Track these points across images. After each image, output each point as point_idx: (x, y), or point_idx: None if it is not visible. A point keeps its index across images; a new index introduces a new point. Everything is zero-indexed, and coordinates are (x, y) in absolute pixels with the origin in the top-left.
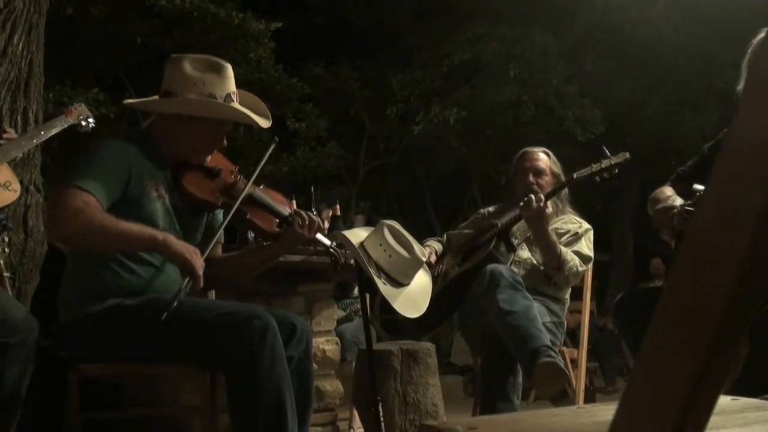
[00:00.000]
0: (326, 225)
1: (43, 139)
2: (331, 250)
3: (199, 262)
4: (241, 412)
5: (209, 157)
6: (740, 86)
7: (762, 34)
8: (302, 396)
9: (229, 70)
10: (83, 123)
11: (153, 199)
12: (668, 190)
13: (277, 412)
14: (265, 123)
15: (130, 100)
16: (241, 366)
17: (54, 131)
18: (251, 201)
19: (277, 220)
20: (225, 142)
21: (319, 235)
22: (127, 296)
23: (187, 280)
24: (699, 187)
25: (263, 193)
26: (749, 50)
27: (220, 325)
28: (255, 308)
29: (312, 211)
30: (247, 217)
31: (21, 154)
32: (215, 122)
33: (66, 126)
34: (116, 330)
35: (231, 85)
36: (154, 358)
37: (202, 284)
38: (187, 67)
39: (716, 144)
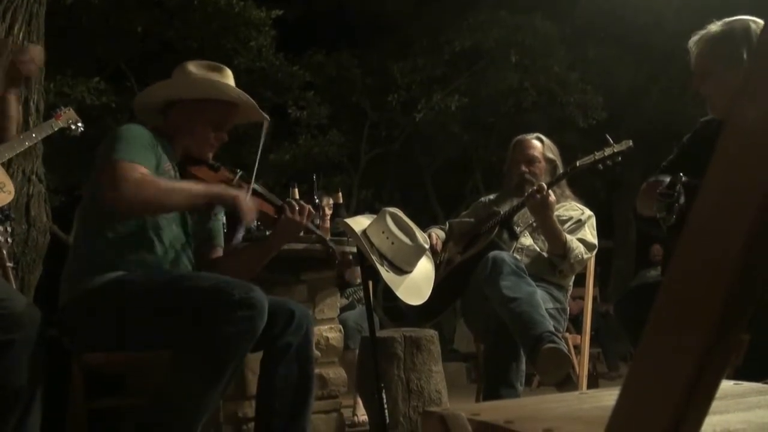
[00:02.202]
0: (328, 212)
1: (34, 142)
2: (328, 243)
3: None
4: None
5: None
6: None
7: (716, 28)
8: (302, 382)
9: (229, 71)
10: (72, 127)
11: (172, 177)
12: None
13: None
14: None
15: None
16: (214, 322)
17: (44, 134)
18: (250, 189)
19: (273, 208)
20: (227, 137)
21: (312, 226)
22: (128, 270)
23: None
24: (684, 179)
25: (259, 186)
26: (693, 46)
27: (217, 288)
28: (254, 287)
29: (314, 199)
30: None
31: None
32: (222, 114)
33: (56, 129)
34: (117, 302)
35: (233, 83)
36: (155, 330)
37: (251, 218)
38: (191, 68)
39: (694, 135)
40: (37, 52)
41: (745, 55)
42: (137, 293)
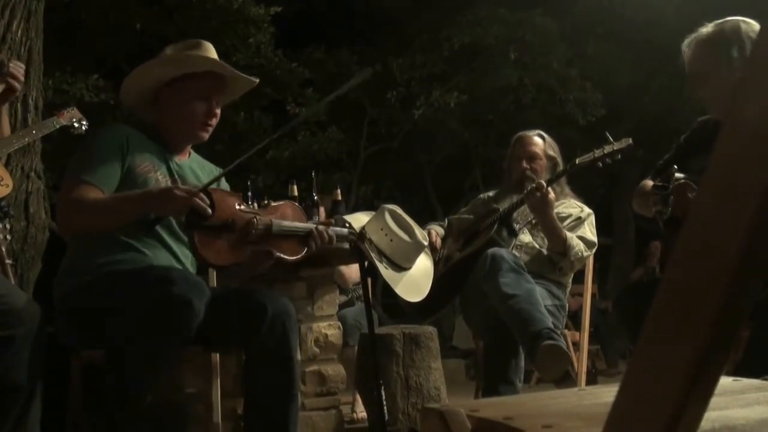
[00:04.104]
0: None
1: (34, 138)
2: (349, 236)
3: (185, 196)
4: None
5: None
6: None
7: (710, 29)
8: (282, 385)
9: (208, 45)
10: (75, 125)
11: (150, 177)
12: (650, 183)
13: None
14: (250, 81)
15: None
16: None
17: (45, 132)
18: (271, 235)
19: (300, 240)
20: (218, 112)
21: (335, 230)
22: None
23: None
24: (679, 175)
25: (281, 220)
26: (686, 50)
27: (154, 283)
28: (197, 284)
29: (313, 197)
30: (274, 255)
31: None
32: (205, 85)
33: (58, 127)
34: (106, 292)
35: (213, 56)
36: (110, 328)
37: (208, 210)
38: (168, 51)
39: (692, 134)
40: (17, 69)
41: (736, 55)
42: (98, 291)
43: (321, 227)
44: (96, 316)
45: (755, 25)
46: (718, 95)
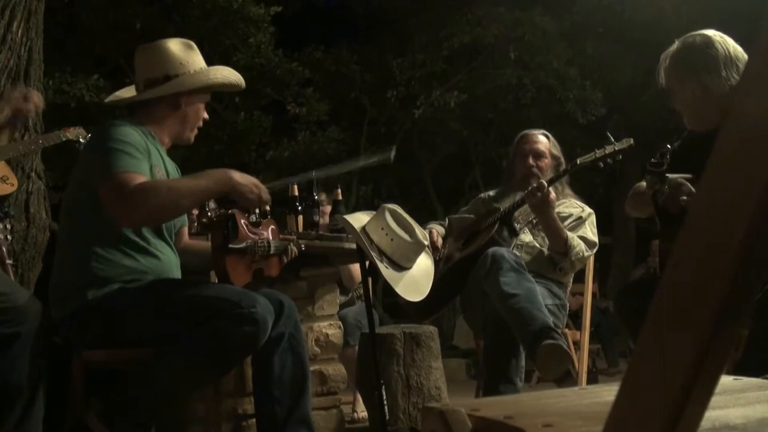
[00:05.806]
0: (327, 209)
1: (38, 148)
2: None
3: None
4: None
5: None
6: (663, 81)
7: (673, 46)
8: (298, 369)
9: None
10: (82, 141)
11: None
12: (643, 185)
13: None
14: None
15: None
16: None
17: (50, 143)
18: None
19: (279, 257)
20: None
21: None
22: (130, 282)
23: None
24: (676, 176)
25: (275, 239)
26: (665, 60)
27: (223, 299)
28: (259, 300)
29: (313, 197)
30: (264, 274)
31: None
32: (204, 95)
33: (63, 140)
34: (120, 313)
35: (201, 59)
36: (156, 338)
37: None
38: (175, 49)
39: (683, 142)
40: (36, 98)
41: (696, 69)
42: (140, 302)
43: (293, 245)
44: (143, 320)
45: (711, 36)
46: (685, 109)
